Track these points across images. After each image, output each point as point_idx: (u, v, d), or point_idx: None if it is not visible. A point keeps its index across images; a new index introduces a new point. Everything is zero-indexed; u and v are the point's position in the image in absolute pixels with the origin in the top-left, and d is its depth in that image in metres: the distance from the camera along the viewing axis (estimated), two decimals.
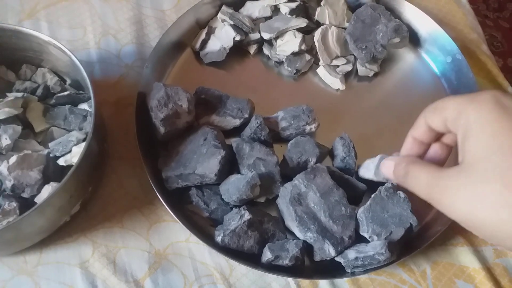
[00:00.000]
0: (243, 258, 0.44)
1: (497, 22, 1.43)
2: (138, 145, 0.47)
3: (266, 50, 0.59)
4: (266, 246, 0.44)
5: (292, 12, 0.57)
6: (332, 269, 0.46)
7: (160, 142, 0.49)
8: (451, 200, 0.27)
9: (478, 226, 0.27)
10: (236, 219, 0.44)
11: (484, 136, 0.26)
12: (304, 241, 0.45)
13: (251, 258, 0.44)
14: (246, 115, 0.51)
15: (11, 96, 0.47)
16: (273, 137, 0.51)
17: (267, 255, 0.44)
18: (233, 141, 0.49)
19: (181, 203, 0.48)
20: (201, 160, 0.46)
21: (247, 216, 0.44)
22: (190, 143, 0.48)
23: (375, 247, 0.44)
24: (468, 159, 0.27)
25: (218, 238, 0.44)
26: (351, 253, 0.44)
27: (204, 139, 0.47)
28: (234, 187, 0.45)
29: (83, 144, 0.44)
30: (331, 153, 0.53)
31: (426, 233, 0.48)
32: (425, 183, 0.30)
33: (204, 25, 0.59)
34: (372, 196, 0.46)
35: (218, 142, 0.47)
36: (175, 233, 0.48)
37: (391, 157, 0.36)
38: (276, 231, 0.46)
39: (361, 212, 0.46)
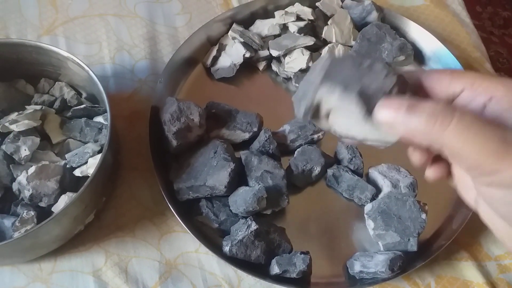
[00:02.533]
0: (250, 268, 0.45)
1: (503, 38, 1.44)
2: (151, 157, 0.49)
3: (274, 67, 0.60)
4: (274, 260, 0.45)
5: (300, 30, 0.59)
6: (339, 281, 0.47)
7: (172, 154, 0.50)
8: None
9: None
10: (243, 229, 0.45)
11: None
12: (311, 258, 0.45)
13: (258, 269, 0.45)
14: (255, 129, 0.53)
15: (30, 108, 0.49)
16: (282, 150, 0.52)
17: (274, 269, 0.44)
18: (242, 154, 0.50)
19: (191, 214, 0.49)
20: (212, 172, 0.47)
21: (254, 226, 0.45)
22: (201, 155, 0.49)
23: (377, 264, 0.45)
24: None
25: (226, 248, 0.45)
26: (356, 265, 0.46)
27: (215, 152, 0.48)
28: (242, 199, 0.46)
29: (98, 156, 0.45)
30: (337, 161, 0.53)
31: (431, 247, 0.48)
32: (494, 148, 0.23)
33: (215, 42, 0.61)
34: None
35: (228, 155, 0.48)
36: (185, 244, 0.49)
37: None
38: (282, 241, 0.47)
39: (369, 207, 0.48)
